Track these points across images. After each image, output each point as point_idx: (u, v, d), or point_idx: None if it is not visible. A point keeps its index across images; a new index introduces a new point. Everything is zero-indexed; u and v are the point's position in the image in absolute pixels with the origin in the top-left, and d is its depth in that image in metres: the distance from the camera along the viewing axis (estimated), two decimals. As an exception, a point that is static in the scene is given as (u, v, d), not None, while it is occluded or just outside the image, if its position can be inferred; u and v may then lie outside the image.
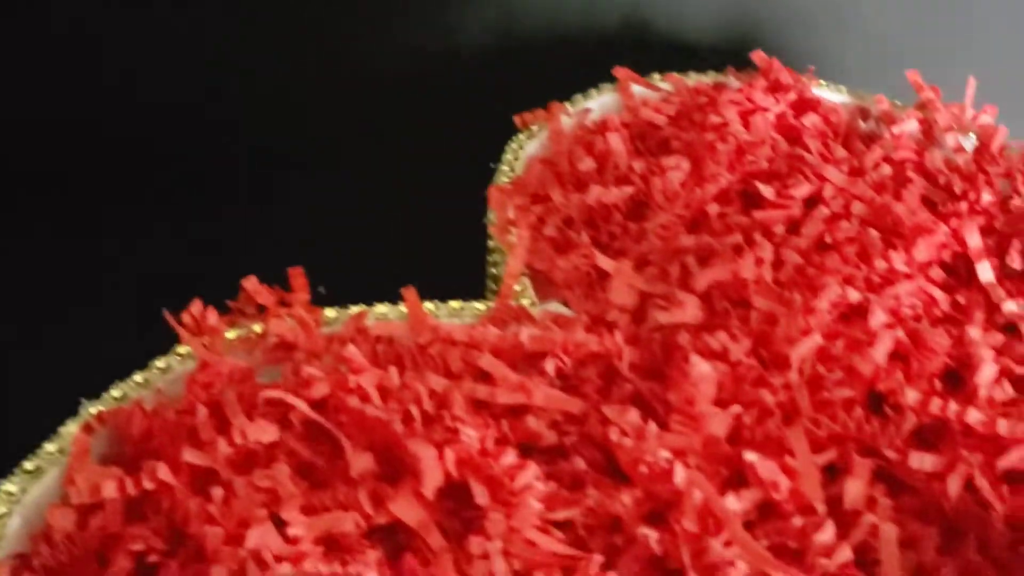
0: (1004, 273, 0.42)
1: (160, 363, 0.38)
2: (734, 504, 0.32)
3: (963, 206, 0.43)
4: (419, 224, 0.56)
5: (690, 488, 0.31)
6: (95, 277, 0.55)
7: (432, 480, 0.31)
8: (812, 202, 0.44)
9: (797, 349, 0.36)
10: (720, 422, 0.33)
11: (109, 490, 0.32)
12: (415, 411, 0.33)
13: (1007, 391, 0.36)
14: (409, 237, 0.55)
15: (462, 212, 0.49)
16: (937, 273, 0.42)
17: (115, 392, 0.37)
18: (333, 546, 0.31)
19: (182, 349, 0.38)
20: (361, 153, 0.61)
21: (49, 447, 0.35)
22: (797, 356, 0.36)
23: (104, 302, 0.53)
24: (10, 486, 0.33)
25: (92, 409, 0.36)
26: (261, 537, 0.29)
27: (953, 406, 0.35)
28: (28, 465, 0.34)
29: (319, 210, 0.58)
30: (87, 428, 0.35)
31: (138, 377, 0.37)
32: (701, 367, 0.34)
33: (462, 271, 0.48)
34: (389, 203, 0.57)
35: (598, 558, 0.30)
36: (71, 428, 0.35)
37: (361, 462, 0.32)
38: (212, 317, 0.38)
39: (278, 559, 0.29)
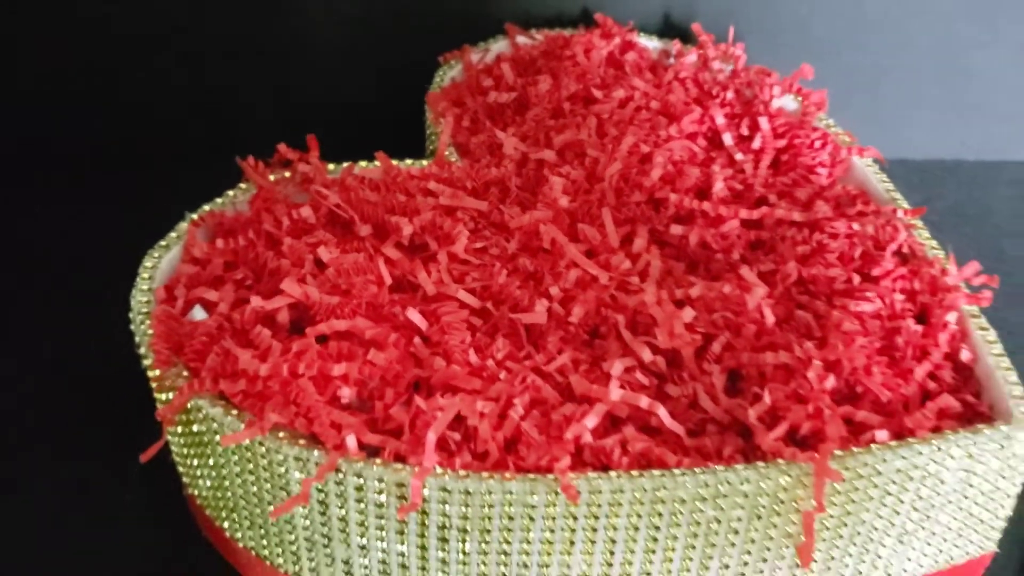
0: (739, 141, 0.69)
1: (230, 193, 0.62)
2: (574, 250, 0.58)
3: (717, 101, 0.71)
4: (377, 117, 0.82)
5: (547, 234, 0.57)
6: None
7: (407, 230, 0.56)
8: (627, 102, 0.71)
9: (609, 171, 0.62)
10: (566, 201, 0.59)
11: (223, 241, 0.56)
12: (395, 200, 0.58)
13: (727, 195, 0.63)
14: (369, 126, 0.82)
15: (406, 111, 0.75)
16: (702, 141, 0.69)
17: (206, 207, 0.61)
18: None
19: (243, 185, 0.63)
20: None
21: (172, 234, 0.59)
22: (609, 175, 0.62)
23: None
24: (147, 261, 0.57)
25: (194, 216, 0.60)
26: (320, 253, 0.54)
27: (696, 203, 0.62)
28: (162, 242, 0.58)
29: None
30: (196, 223, 0.59)
31: (218, 200, 0.61)
32: (555, 180, 0.60)
33: (408, 146, 0.73)
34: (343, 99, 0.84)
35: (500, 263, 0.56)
36: (183, 225, 0.59)
37: (365, 229, 0.57)
38: (260, 166, 0.63)
39: (330, 263, 0.54)
